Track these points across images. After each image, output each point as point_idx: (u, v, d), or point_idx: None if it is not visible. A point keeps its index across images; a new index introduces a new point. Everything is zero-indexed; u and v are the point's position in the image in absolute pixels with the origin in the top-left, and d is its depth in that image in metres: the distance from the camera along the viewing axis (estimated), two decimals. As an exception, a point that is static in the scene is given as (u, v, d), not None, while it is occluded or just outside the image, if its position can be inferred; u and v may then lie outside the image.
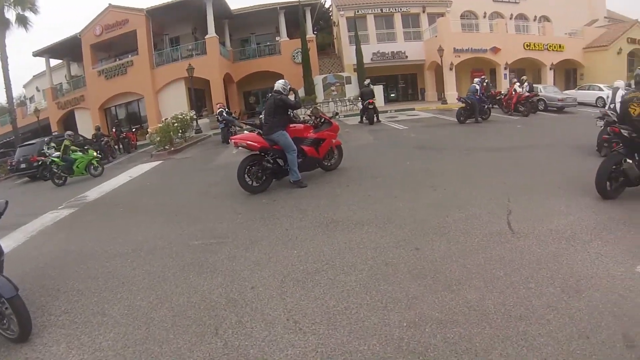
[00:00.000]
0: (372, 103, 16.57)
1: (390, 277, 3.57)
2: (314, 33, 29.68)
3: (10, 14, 23.47)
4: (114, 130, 20.95)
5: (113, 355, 2.87)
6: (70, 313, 3.55)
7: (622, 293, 3.32)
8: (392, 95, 30.31)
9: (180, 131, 17.01)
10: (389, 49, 28.12)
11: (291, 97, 7.07)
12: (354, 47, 25.92)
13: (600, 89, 23.25)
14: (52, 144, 13.15)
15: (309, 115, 8.13)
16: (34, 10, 24.28)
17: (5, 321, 3.08)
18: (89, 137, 18.18)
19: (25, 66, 47.75)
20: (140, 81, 23.71)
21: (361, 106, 17.65)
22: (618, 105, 7.09)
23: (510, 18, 30.83)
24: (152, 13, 23.59)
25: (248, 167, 6.70)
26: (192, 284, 3.79)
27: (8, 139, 28.97)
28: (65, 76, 30.01)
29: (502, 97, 19.34)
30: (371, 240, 4.42)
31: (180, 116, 16.94)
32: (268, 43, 29.08)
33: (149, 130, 20.06)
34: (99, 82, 24.96)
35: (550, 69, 28.05)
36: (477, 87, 15.47)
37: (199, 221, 5.79)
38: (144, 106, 25.08)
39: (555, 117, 18.07)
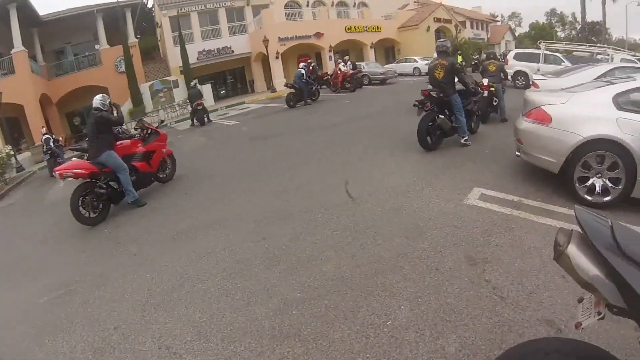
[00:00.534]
0: (201, 104, 16.26)
1: (245, 273, 3.57)
2: (136, 37, 27.16)
3: None
4: None
5: None
6: None
7: (457, 224, 3.96)
8: (222, 92, 29.98)
9: (-3, 175, 14.00)
10: (214, 46, 27.76)
11: (115, 112, 6.55)
12: (179, 48, 24.93)
13: (415, 61, 27.21)
14: None
15: (134, 129, 7.63)
16: None
17: None
18: None
19: None
20: None
21: (190, 109, 17.19)
22: None
23: (332, 5, 33.64)
24: None
25: (81, 198, 5.96)
26: (49, 350, 3.18)
27: None
28: None
29: (329, 77, 21.05)
30: (219, 242, 4.36)
31: (-7, 156, 13.87)
32: (87, 53, 25.56)
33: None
34: None
35: (371, 47, 31.59)
36: (303, 71, 16.50)
37: (42, 274, 4.89)
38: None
39: (379, 88, 20.47)
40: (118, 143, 6.55)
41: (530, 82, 11.09)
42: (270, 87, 26.29)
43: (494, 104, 9.09)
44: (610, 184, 4.09)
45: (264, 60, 27.18)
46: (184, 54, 24.50)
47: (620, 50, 24.61)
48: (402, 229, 3.98)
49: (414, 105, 6.91)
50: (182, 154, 9.68)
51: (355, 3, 35.00)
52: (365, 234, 3.97)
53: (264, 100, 22.08)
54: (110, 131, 6.41)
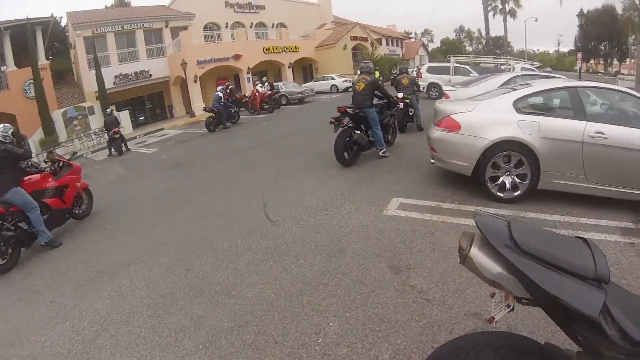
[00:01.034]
0: (118, 132, 15.21)
1: (171, 307, 3.46)
2: (48, 58, 24.73)
3: None
4: None
5: None
6: None
7: (377, 236, 4.15)
8: (140, 118, 28.57)
9: None
10: (132, 70, 26.35)
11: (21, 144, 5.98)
12: (95, 71, 23.11)
13: (333, 78, 28.11)
14: None
15: (44, 162, 7.06)
16: None
17: None
18: None
19: None
20: None
21: (107, 137, 16.24)
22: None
23: (251, 26, 33.82)
24: None
25: None
26: None
27: None
28: None
29: (247, 99, 21.04)
30: (141, 278, 4.18)
31: None
32: (-9, 76, 22.90)
33: None
34: None
35: (289, 67, 32.15)
36: (221, 94, 16.49)
37: None
38: None
39: (298, 108, 20.88)
40: (26, 178, 5.92)
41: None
42: (190, 112, 25.55)
43: (410, 114, 10.00)
44: (518, 180, 4.62)
45: (183, 84, 26.45)
46: (99, 78, 22.86)
47: (520, 60, 27.44)
48: (323, 247, 4.09)
49: (331, 122, 7.16)
50: (100, 187, 9.14)
51: (274, 24, 35.58)
52: (286, 255, 4.03)
53: (183, 126, 21.52)
54: (17, 166, 5.82)
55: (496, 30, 66.30)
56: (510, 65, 19.20)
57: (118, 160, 14.42)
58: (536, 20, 49.17)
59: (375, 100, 7.46)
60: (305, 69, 36.80)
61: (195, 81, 25.82)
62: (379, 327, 2.73)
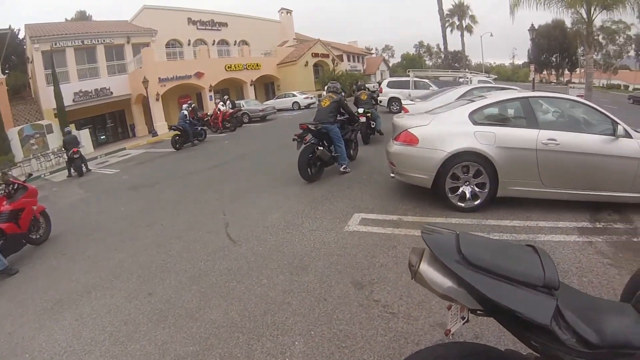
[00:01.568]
0: (78, 152, 14.57)
1: (134, 334, 3.37)
2: (4, 73, 23.75)
3: None
4: None
5: None
6: None
7: (339, 252, 4.18)
8: (101, 137, 27.63)
9: None
10: (92, 87, 25.51)
11: None
12: (53, 87, 22.21)
13: (294, 95, 28.32)
14: None
15: None
16: None
17: None
18: None
19: None
20: None
21: (67, 157, 15.63)
22: None
23: (213, 44, 33.57)
24: None
25: None
26: None
27: None
28: None
29: (209, 117, 20.89)
30: (103, 305, 4.04)
31: None
32: (-59, 91, 21.41)
33: None
34: None
35: (251, 85, 32.24)
36: (186, 112, 16.49)
37: None
38: None
39: (260, 125, 20.89)
40: None
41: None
42: (152, 131, 24.71)
43: (372, 126, 10.43)
44: (477, 189, 4.75)
45: (145, 102, 25.85)
46: (58, 95, 21.97)
47: (478, 73, 28.55)
48: (285, 265, 4.10)
49: (294, 139, 7.21)
50: (58, 210, 8.77)
51: (236, 41, 35.54)
52: (249, 275, 4.01)
53: (146, 145, 20.97)
54: None
55: (454, 45, 68.95)
56: (468, 78, 19.98)
57: (78, 181, 13.83)
58: (491, 35, 51.03)
59: (338, 117, 7.64)
60: (267, 87, 36.95)
61: (157, 99, 25.26)
62: (344, 344, 2.72)
